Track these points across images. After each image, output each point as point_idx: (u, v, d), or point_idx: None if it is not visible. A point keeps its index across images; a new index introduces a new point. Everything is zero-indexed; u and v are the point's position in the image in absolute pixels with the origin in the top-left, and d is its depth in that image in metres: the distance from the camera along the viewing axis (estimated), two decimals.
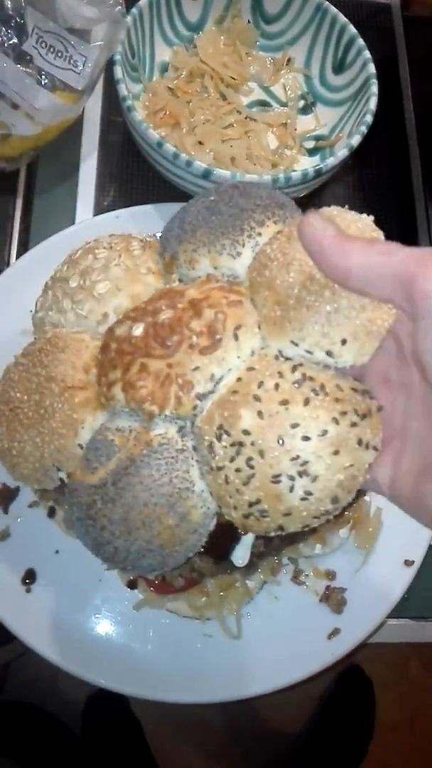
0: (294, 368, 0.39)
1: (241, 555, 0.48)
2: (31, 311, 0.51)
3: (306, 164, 0.67)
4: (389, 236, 0.68)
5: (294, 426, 0.37)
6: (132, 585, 0.51)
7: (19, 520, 0.52)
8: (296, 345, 0.40)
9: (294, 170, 0.61)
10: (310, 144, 0.70)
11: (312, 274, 0.38)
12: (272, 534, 0.40)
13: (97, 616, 0.51)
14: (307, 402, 0.38)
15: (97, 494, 0.40)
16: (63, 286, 0.48)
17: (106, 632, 0.51)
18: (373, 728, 1.36)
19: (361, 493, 0.50)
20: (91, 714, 1.33)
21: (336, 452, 0.38)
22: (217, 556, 0.47)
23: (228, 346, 0.40)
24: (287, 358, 0.40)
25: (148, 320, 0.42)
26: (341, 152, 0.58)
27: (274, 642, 0.52)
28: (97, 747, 1.28)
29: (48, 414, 0.43)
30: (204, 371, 0.40)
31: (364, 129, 0.60)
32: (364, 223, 0.43)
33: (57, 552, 0.52)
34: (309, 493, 0.38)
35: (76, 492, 0.41)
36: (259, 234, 0.45)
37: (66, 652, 0.49)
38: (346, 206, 0.45)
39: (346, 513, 0.56)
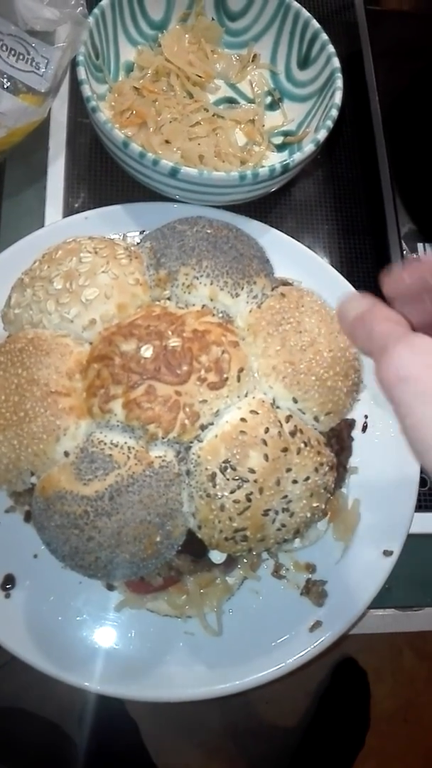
0: (287, 418, 0.46)
1: (219, 552, 0.48)
2: (1, 311, 0.51)
3: (275, 160, 0.68)
4: (359, 227, 0.69)
5: (288, 470, 0.44)
6: (111, 587, 0.51)
7: None
8: (295, 402, 0.47)
9: (262, 166, 0.61)
10: (279, 140, 0.70)
11: (320, 351, 0.47)
12: (238, 554, 0.46)
13: (78, 618, 0.51)
14: (299, 451, 0.45)
15: (90, 506, 0.41)
16: (45, 286, 0.48)
17: (88, 634, 0.50)
18: (369, 719, 1.37)
19: (337, 485, 0.52)
20: (87, 716, 1.33)
21: (311, 495, 0.45)
22: (195, 554, 0.48)
23: (232, 386, 0.45)
24: (278, 407, 0.47)
25: (156, 343, 0.44)
26: (308, 147, 0.58)
27: (257, 637, 0.52)
28: (95, 749, 1.28)
29: (28, 417, 0.43)
30: (211, 405, 0.44)
31: (330, 123, 0.60)
32: None
33: (35, 556, 0.51)
34: (283, 525, 0.45)
35: (63, 500, 0.41)
36: (254, 283, 0.51)
37: (49, 656, 0.49)
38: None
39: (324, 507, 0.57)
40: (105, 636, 0.51)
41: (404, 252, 0.59)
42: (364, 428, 0.58)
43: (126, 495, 0.41)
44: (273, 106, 0.72)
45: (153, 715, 1.35)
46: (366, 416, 0.58)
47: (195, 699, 0.50)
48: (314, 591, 0.53)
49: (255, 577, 0.53)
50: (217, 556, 0.48)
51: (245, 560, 0.52)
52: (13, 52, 0.56)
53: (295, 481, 0.44)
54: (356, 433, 0.57)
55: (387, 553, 0.54)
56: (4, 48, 0.56)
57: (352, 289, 0.61)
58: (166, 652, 0.51)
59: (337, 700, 1.39)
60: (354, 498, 0.56)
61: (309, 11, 0.66)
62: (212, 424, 0.44)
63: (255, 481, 0.42)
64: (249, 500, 0.42)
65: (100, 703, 1.33)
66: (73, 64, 0.59)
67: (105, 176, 0.68)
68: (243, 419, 0.44)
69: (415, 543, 0.57)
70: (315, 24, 0.66)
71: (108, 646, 0.50)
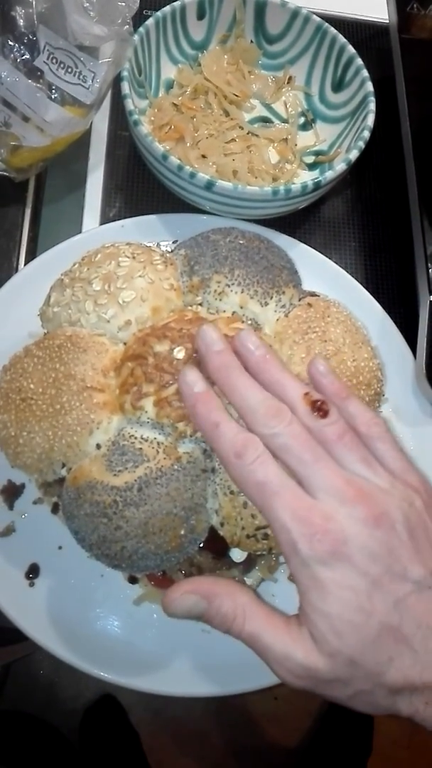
0: None
1: (239, 551, 0.50)
2: (40, 309, 0.53)
3: (306, 178, 0.70)
4: (385, 245, 0.71)
5: None
6: (133, 580, 0.53)
7: (24, 516, 0.53)
8: None
9: (294, 183, 0.63)
10: (310, 159, 0.72)
11: (344, 360, 0.50)
12: (257, 553, 0.47)
13: (98, 610, 0.52)
14: None
15: (119, 496, 0.42)
16: (85, 287, 0.50)
17: (107, 626, 0.52)
18: (371, 743, 1.35)
19: None
20: (89, 725, 1.33)
21: None
22: (216, 551, 0.49)
23: None
24: None
25: (188, 346, 0.46)
26: (339, 166, 0.60)
27: None
28: (95, 759, 1.28)
29: (64, 410, 0.45)
30: None
31: (361, 144, 0.62)
32: None
33: (60, 548, 0.53)
34: None
35: (93, 490, 0.43)
36: (283, 293, 0.53)
37: (67, 645, 0.50)
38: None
39: None
40: (122, 629, 0.52)
41: (429, 270, 0.61)
42: None
43: (154, 487, 0.42)
44: (306, 126, 0.74)
45: (155, 726, 1.35)
46: None
47: (206, 696, 0.51)
48: None
49: (272, 579, 0.54)
50: (237, 555, 0.49)
51: (263, 562, 0.53)
52: (62, 65, 0.59)
53: None
54: None
55: None
56: (54, 61, 0.58)
57: (377, 304, 0.62)
58: (181, 648, 0.52)
59: (340, 722, 1.38)
60: None
61: (344, 37, 0.69)
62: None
63: None
64: None
65: (103, 711, 1.34)
66: (117, 79, 0.62)
67: (141, 187, 0.71)
68: None
69: None
70: (350, 49, 0.68)
71: (125, 638, 0.52)
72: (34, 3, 0.57)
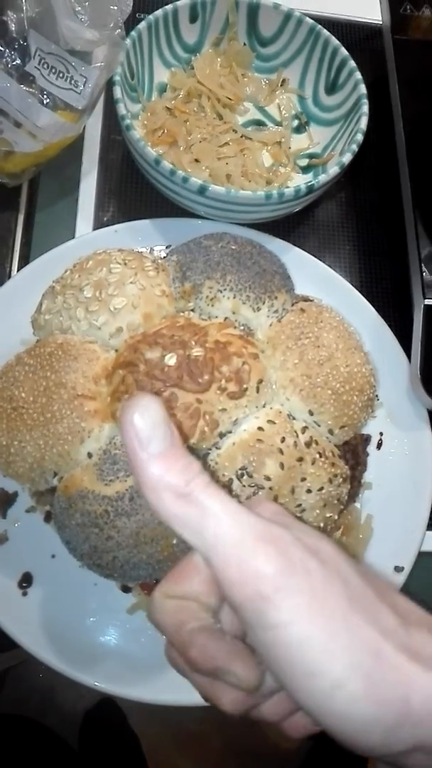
0: (303, 429, 0.48)
1: None
2: (32, 316, 0.52)
3: (300, 181, 0.69)
4: (380, 249, 0.71)
5: (303, 479, 0.46)
6: (126, 589, 0.52)
7: (16, 524, 0.53)
8: (311, 414, 0.49)
9: (287, 187, 0.62)
10: (304, 162, 0.72)
11: (337, 366, 0.50)
12: None
13: (92, 619, 0.52)
14: (314, 461, 0.47)
15: (110, 506, 0.42)
16: (76, 294, 0.50)
17: (100, 635, 0.51)
18: None
19: (351, 499, 0.53)
20: (88, 728, 1.33)
21: (324, 505, 0.47)
22: None
23: (251, 396, 0.47)
24: (294, 419, 0.49)
25: (179, 352, 0.46)
26: (333, 169, 0.60)
27: None
28: (95, 762, 1.27)
29: (55, 418, 0.45)
30: (230, 414, 0.46)
31: (355, 147, 0.62)
32: None
33: (53, 556, 0.53)
34: None
35: (84, 499, 0.43)
36: (276, 298, 0.53)
37: (61, 654, 0.50)
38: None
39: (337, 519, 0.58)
40: (116, 638, 0.52)
41: (424, 274, 0.60)
42: (379, 445, 0.59)
43: None
44: (299, 129, 0.74)
45: (155, 729, 1.34)
46: (381, 433, 0.59)
47: (202, 704, 0.51)
48: None
49: None
50: None
51: None
52: (53, 70, 0.58)
53: (309, 491, 0.45)
54: (371, 449, 0.58)
55: (398, 569, 0.55)
56: (45, 66, 0.58)
57: (371, 308, 0.62)
58: None
59: None
60: (367, 513, 0.57)
61: (337, 39, 0.68)
62: (230, 432, 0.46)
63: (270, 488, 0.44)
64: None
65: (102, 714, 1.33)
66: (109, 84, 0.62)
67: (134, 192, 0.70)
68: (260, 428, 0.45)
69: (427, 561, 0.58)
70: (343, 51, 0.68)
71: (119, 647, 0.51)
72: (24, 7, 0.57)
